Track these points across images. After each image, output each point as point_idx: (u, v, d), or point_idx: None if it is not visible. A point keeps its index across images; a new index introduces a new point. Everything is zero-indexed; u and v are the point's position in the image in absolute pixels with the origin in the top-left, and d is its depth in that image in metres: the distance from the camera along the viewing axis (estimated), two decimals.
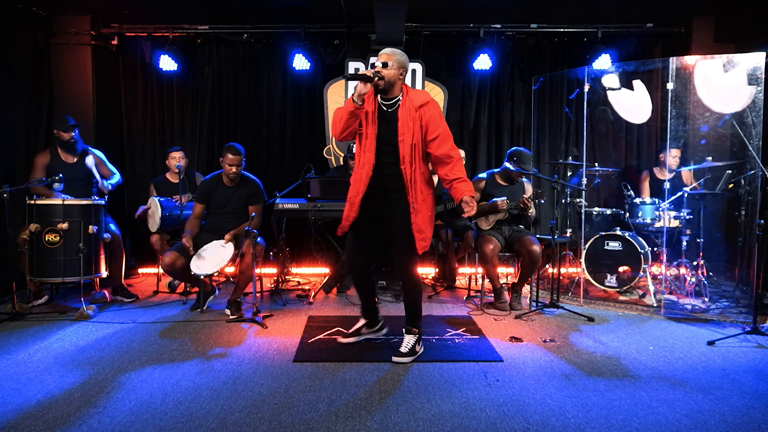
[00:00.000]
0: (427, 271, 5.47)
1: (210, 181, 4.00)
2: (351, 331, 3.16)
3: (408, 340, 2.96)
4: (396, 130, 2.76)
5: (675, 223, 4.40)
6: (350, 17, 5.24)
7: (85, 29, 5.19)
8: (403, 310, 3.96)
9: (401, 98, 2.79)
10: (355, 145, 2.96)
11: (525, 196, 3.97)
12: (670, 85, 4.08)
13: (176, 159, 4.66)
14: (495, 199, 4.01)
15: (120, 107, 5.67)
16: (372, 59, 5.45)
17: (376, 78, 2.68)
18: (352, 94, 2.69)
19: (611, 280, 4.41)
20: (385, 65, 2.72)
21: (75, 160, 4.23)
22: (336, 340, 3.23)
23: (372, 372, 2.74)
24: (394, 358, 2.88)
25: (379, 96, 2.82)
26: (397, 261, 2.94)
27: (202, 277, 3.70)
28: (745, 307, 4.08)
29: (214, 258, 3.68)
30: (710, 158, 4.35)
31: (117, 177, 4.39)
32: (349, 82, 5.61)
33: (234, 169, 3.86)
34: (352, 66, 5.59)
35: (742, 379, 2.70)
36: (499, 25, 5.49)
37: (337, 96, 5.66)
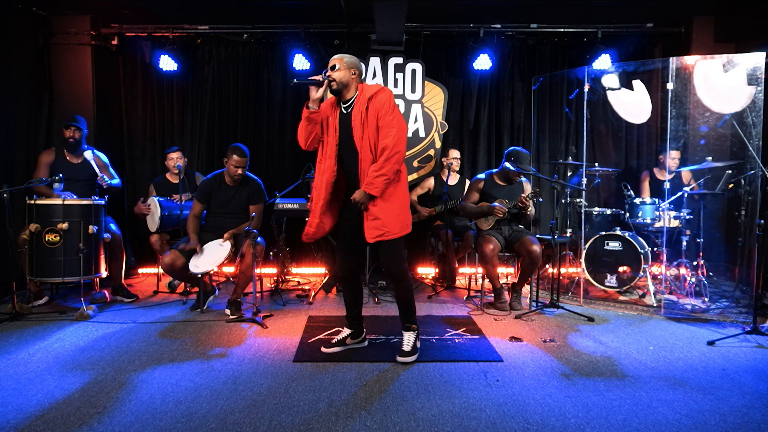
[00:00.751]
0: (427, 271, 5.47)
1: (211, 181, 3.99)
2: (335, 341, 3.08)
3: (408, 338, 2.95)
4: (350, 128, 2.82)
5: (675, 223, 4.41)
6: (350, 17, 5.24)
7: (85, 29, 5.19)
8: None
9: (354, 99, 2.85)
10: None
11: (523, 195, 3.97)
12: (670, 85, 4.08)
13: (174, 159, 4.66)
14: (495, 204, 4.01)
15: (120, 107, 5.67)
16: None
17: (327, 81, 2.80)
18: (306, 102, 2.82)
19: (611, 280, 4.41)
20: (333, 68, 2.81)
21: (79, 160, 4.24)
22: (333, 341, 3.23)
23: (372, 372, 2.74)
24: (400, 359, 2.87)
25: (340, 102, 2.89)
26: (382, 259, 2.93)
27: (199, 275, 3.70)
28: (745, 307, 4.08)
29: (211, 256, 3.68)
30: (710, 158, 4.35)
31: (117, 181, 4.39)
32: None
33: (239, 171, 3.86)
34: None
35: (742, 379, 2.70)
36: (499, 25, 5.49)
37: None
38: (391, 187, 2.78)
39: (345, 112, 2.85)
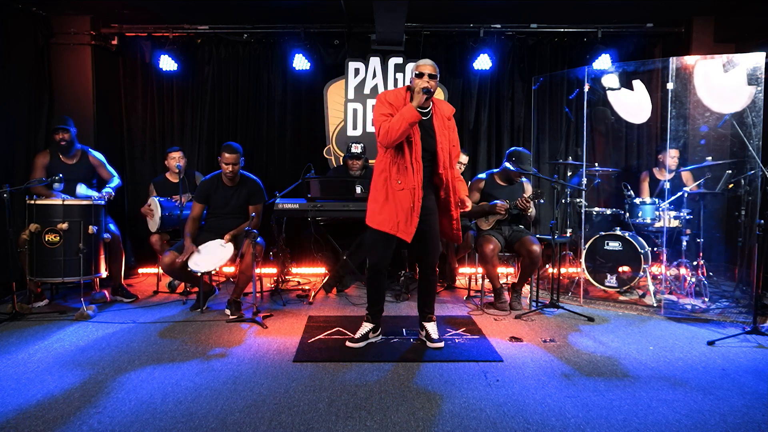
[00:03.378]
0: None
1: (210, 182, 3.99)
2: (359, 336, 3.15)
3: (434, 327, 3.19)
4: (434, 137, 2.97)
5: (675, 223, 4.40)
6: (350, 17, 5.24)
7: (85, 29, 5.19)
8: (401, 310, 4.00)
9: (432, 108, 3.00)
10: (391, 152, 2.96)
11: (524, 195, 3.97)
12: (670, 85, 4.08)
13: (175, 159, 4.66)
14: (495, 202, 4.01)
15: (120, 107, 5.67)
16: (351, 69, 5.46)
17: (432, 90, 2.90)
18: (410, 103, 2.84)
19: (611, 280, 4.41)
20: (433, 77, 2.89)
21: (74, 161, 4.24)
22: (335, 339, 3.24)
23: (372, 372, 2.74)
24: (433, 345, 3.11)
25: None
26: (431, 257, 3.12)
27: (199, 274, 3.70)
28: (745, 307, 4.08)
29: (213, 257, 3.68)
30: (710, 158, 4.35)
31: (116, 180, 4.38)
32: (349, 84, 5.61)
33: (231, 168, 3.85)
34: (352, 66, 5.59)
35: (742, 379, 2.70)
36: (499, 25, 5.49)
37: (338, 96, 5.66)
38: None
39: (424, 118, 2.96)
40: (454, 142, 3.09)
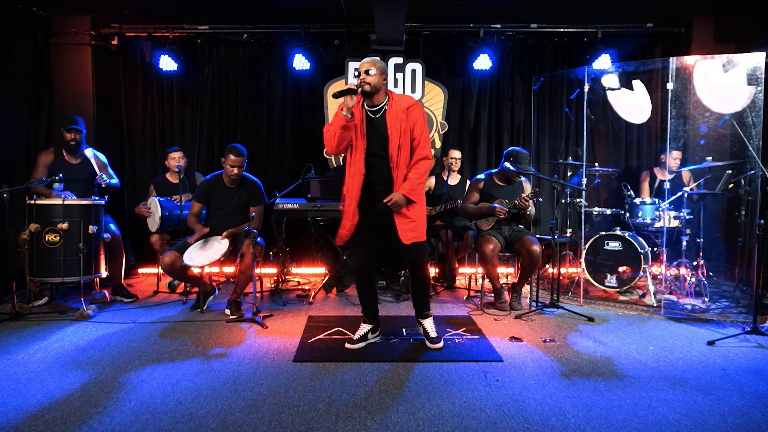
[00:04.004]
0: None
1: (210, 182, 3.99)
2: (358, 337, 3.14)
3: (430, 324, 3.16)
4: (386, 133, 2.89)
5: (675, 223, 4.40)
6: (350, 17, 5.24)
7: (85, 29, 5.19)
8: (401, 310, 4.00)
9: (387, 103, 2.93)
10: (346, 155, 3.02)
11: (523, 195, 3.97)
12: (670, 85, 4.08)
13: (176, 159, 4.66)
14: (495, 205, 4.01)
15: (120, 107, 5.67)
16: (351, 69, 5.47)
17: (364, 85, 2.82)
18: (340, 109, 2.82)
19: (611, 280, 4.41)
20: (368, 72, 2.84)
21: (78, 161, 4.24)
22: (335, 339, 3.24)
23: (372, 372, 2.74)
24: (433, 345, 3.07)
25: (365, 105, 2.93)
26: (416, 256, 3.03)
27: (191, 267, 3.69)
28: (745, 307, 4.08)
29: (207, 252, 3.67)
30: (710, 158, 4.35)
31: (115, 180, 4.39)
32: (349, 84, 5.60)
33: (236, 171, 3.86)
34: (352, 66, 5.59)
35: (742, 379, 2.70)
36: (499, 25, 5.49)
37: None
38: (418, 193, 2.98)
39: (374, 116, 2.92)
40: (415, 135, 2.90)
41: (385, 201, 2.87)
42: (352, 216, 2.97)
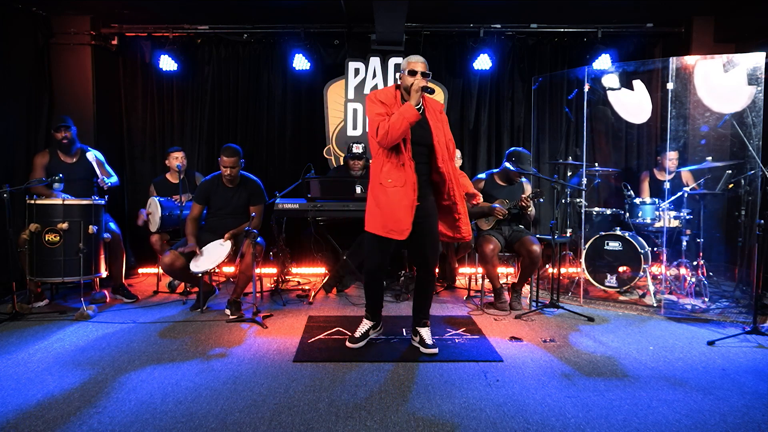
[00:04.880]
0: None
1: (210, 182, 3.99)
2: (359, 334, 3.12)
3: (428, 332, 3.11)
4: (429, 131, 2.91)
5: (675, 223, 4.40)
6: (350, 17, 5.24)
7: (85, 29, 5.19)
8: (401, 310, 4.00)
9: (423, 103, 2.94)
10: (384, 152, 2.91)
11: (524, 195, 3.97)
12: (670, 85, 4.08)
13: (177, 159, 4.66)
14: (495, 205, 4.01)
15: (120, 107, 5.67)
16: (351, 69, 5.43)
17: (429, 85, 2.85)
18: (409, 103, 2.76)
19: (611, 280, 4.41)
20: (426, 75, 2.86)
21: (74, 160, 4.24)
22: (335, 339, 3.24)
23: (372, 372, 2.74)
24: (427, 350, 3.01)
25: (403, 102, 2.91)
26: (429, 260, 3.05)
27: (200, 274, 3.70)
28: (745, 307, 4.08)
29: (211, 255, 3.68)
30: (710, 158, 4.35)
31: (114, 179, 4.39)
32: (349, 84, 5.61)
33: (229, 171, 3.85)
34: (352, 66, 5.59)
35: (742, 379, 2.70)
36: (499, 25, 5.49)
37: (338, 96, 5.66)
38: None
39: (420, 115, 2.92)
40: (449, 136, 3.05)
41: (477, 200, 3.13)
42: (411, 208, 2.85)
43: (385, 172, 2.87)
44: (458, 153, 5.02)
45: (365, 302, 3.22)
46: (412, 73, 2.85)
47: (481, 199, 3.20)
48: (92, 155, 4.27)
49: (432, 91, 2.85)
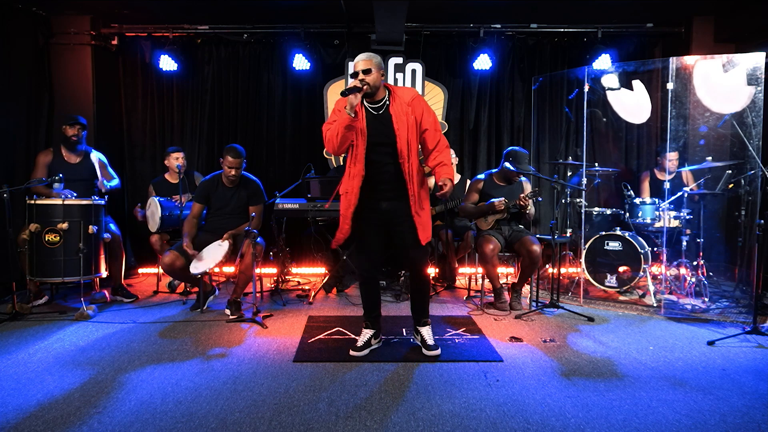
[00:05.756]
0: (427, 271, 5.46)
1: (209, 182, 3.99)
2: (362, 344, 3.05)
3: (429, 332, 3.06)
4: (391, 127, 2.80)
5: (675, 223, 4.40)
6: (350, 17, 5.24)
7: (85, 29, 5.19)
8: (401, 310, 4.00)
9: (388, 97, 2.85)
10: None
11: (522, 194, 3.97)
12: (670, 85, 4.08)
13: (177, 159, 4.66)
14: (493, 200, 4.01)
15: (120, 107, 5.67)
16: (351, 69, 5.46)
17: (363, 86, 2.72)
18: (344, 108, 2.72)
19: (611, 280, 4.41)
20: (367, 72, 2.76)
21: (78, 160, 4.24)
22: (335, 339, 3.24)
23: (372, 372, 2.74)
24: (429, 352, 2.96)
25: (365, 102, 2.85)
26: (416, 258, 2.96)
27: (199, 275, 3.70)
28: (745, 307, 4.08)
29: (210, 256, 3.68)
30: (710, 158, 4.35)
31: (116, 181, 4.39)
32: (349, 84, 5.59)
33: (233, 172, 3.85)
34: (352, 66, 5.57)
35: (742, 379, 2.70)
36: (499, 25, 5.49)
37: (338, 96, 5.63)
38: (425, 190, 2.92)
39: (376, 113, 2.84)
40: (426, 125, 2.84)
41: (443, 190, 2.75)
42: (351, 219, 2.88)
43: (343, 178, 2.90)
44: (452, 152, 4.99)
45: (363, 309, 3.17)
46: (353, 75, 2.80)
47: (449, 187, 2.81)
48: (96, 157, 4.27)
49: (358, 90, 2.68)
